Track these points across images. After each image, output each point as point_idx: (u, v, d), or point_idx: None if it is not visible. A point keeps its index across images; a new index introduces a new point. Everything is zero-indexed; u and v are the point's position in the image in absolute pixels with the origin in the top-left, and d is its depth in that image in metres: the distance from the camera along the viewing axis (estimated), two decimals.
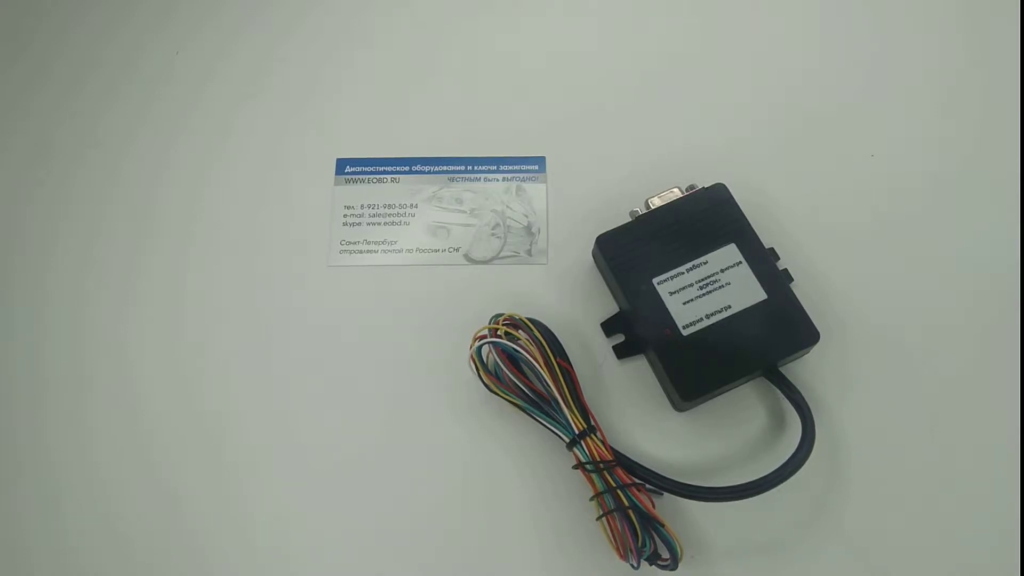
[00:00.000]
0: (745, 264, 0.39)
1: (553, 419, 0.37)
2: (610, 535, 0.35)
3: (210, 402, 0.42)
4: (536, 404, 0.37)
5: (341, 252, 0.45)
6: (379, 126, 0.48)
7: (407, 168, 0.47)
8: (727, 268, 0.39)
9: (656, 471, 0.36)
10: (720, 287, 0.39)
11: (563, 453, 0.38)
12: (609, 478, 0.35)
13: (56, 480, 0.41)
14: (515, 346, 0.37)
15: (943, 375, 0.40)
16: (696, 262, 0.39)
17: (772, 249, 0.41)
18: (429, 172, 0.47)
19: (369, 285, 0.44)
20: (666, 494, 0.36)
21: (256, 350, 0.43)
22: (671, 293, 0.39)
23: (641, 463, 0.37)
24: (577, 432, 0.36)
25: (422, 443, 0.40)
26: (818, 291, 0.42)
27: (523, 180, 0.46)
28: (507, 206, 0.46)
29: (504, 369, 0.37)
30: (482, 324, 0.38)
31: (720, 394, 0.39)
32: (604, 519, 0.35)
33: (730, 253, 0.39)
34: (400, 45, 0.50)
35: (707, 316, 0.38)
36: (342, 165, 0.47)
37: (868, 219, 0.44)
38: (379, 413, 0.41)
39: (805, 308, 0.38)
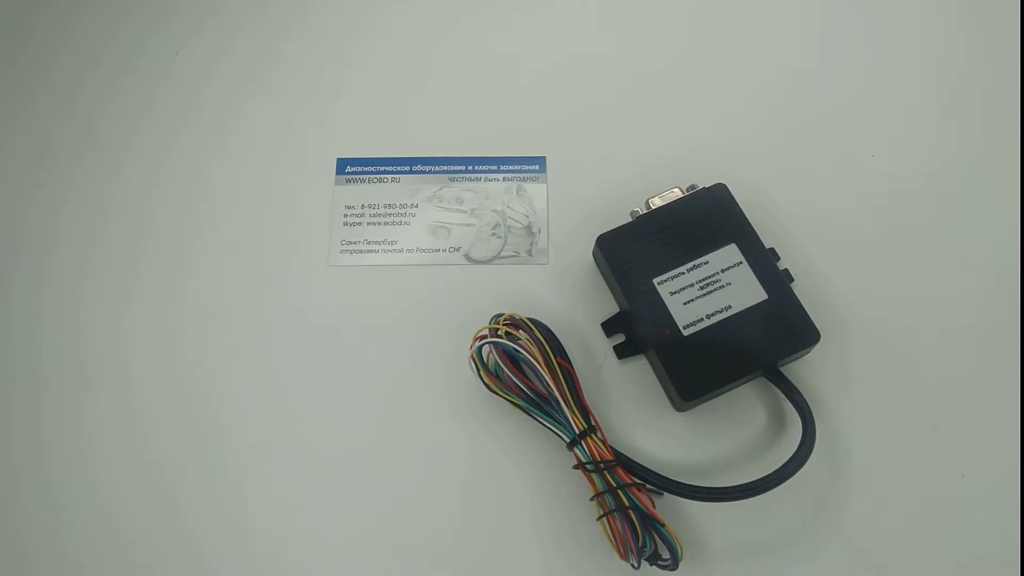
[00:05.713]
0: (745, 264, 0.39)
1: (553, 419, 0.37)
2: (610, 535, 0.35)
3: (210, 402, 0.42)
4: (536, 404, 0.37)
5: (342, 252, 0.45)
6: (379, 126, 0.48)
7: (407, 168, 0.47)
8: (727, 268, 0.39)
9: (656, 471, 0.36)
10: (720, 287, 0.39)
11: (563, 453, 0.38)
12: (609, 478, 0.35)
13: (55, 480, 0.41)
14: (515, 346, 0.37)
15: (943, 375, 0.40)
16: (696, 262, 0.39)
17: (772, 249, 0.41)
18: (429, 172, 0.47)
19: (369, 285, 0.44)
20: (666, 494, 0.36)
21: (256, 350, 0.43)
22: (671, 293, 0.39)
23: (641, 463, 0.37)
24: (577, 432, 0.36)
25: (422, 443, 0.40)
26: (818, 291, 0.42)
27: (523, 180, 0.46)
28: (507, 206, 0.46)
29: (504, 369, 0.37)
30: (482, 324, 0.38)
31: (720, 394, 0.39)
32: (605, 519, 0.35)
33: (730, 253, 0.39)
34: (400, 45, 0.50)
35: (707, 316, 0.38)
36: (342, 165, 0.47)
37: (868, 219, 0.44)
38: (379, 413, 0.41)
39: (805, 308, 0.38)
